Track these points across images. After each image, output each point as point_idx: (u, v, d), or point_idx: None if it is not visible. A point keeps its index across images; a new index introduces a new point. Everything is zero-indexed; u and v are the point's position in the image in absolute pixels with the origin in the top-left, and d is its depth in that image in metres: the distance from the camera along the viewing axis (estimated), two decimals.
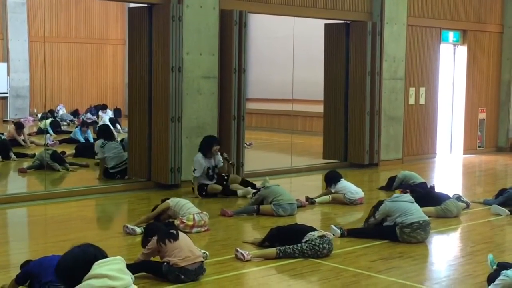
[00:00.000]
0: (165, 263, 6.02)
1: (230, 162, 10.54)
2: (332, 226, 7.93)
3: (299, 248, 6.86)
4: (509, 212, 9.20)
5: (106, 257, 4.13)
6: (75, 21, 25.37)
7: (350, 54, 13.49)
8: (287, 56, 15.21)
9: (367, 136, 13.31)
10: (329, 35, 13.82)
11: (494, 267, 6.03)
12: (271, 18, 15.34)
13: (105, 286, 3.98)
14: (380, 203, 7.93)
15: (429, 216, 8.09)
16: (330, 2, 13.07)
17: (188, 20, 10.69)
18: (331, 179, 9.97)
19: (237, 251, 6.85)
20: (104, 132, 12.02)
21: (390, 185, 10.84)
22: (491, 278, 5.61)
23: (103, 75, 25.88)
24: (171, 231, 6.20)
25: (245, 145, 12.67)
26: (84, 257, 4.08)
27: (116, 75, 25.43)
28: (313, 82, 15.67)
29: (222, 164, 10.28)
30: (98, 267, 4.05)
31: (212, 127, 11.14)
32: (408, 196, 8.06)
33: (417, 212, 7.76)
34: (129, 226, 7.83)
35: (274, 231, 7.32)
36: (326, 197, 9.86)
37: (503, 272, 5.37)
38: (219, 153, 10.29)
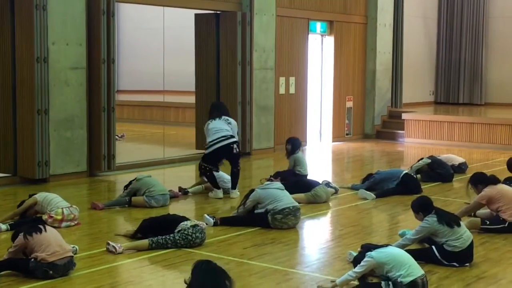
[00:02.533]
0: (32, 259, 5.82)
1: None
2: (205, 215, 7.96)
3: (172, 238, 6.83)
4: (375, 196, 9.57)
5: None
6: None
7: (220, 45, 13.53)
8: (158, 47, 15.07)
9: (239, 126, 13.38)
10: (199, 25, 13.81)
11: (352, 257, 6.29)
12: (142, 8, 15.15)
13: None
14: (252, 191, 8.04)
15: (299, 202, 8.28)
16: None
17: (52, 9, 10.35)
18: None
19: (109, 244, 6.74)
20: None
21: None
22: (357, 260, 5.82)
23: None
24: (38, 225, 6.01)
25: (117, 137, 12.48)
26: None
27: None
28: (185, 73, 15.60)
29: None
30: None
31: (82, 119, 10.87)
32: (278, 184, 8.23)
33: (286, 199, 7.92)
34: None
35: (146, 222, 7.25)
36: (199, 187, 9.86)
37: (368, 253, 5.57)
38: None
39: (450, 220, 6.41)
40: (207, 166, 9.51)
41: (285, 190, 8.08)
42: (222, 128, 9.49)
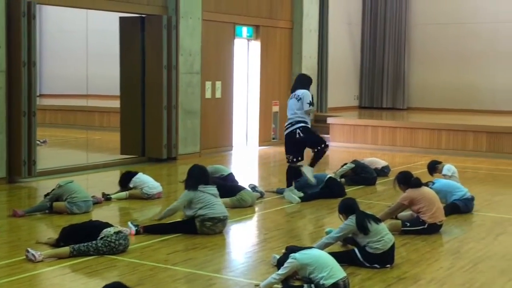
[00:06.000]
0: None
1: None
2: (129, 223, 7.84)
3: (94, 246, 6.70)
4: (300, 200, 9.64)
5: None
6: None
7: (146, 48, 13.40)
8: (82, 50, 14.83)
9: (165, 130, 13.30)
10: (124, 29, 13.64)
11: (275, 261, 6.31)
12: (65, 11, 14.87)
13: None
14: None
15: (225, 207, 8.24)
16: None
17: None
18: (124, 179, 9.84)
19: (28, 251, 6.56)
20: None
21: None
22: (280, 262, 5.84)
23: None
24: None
25: (38, 142, 12.19)
26: None
27: None
28: (109, 77, 15.40)
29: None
30: None
31: (1, 124, 10.57)
32: (214, 189, 8.02)
33: (219, 207, 7.83)
34: None
35: (67, 229, 7.09)
36: (123, 193, 9.71)
37: (292, 255, 5.60)
38: None
39: (365, 225, 6.46)
40: (289, 157, 9.66)
41: (218, 197, 7.97)
42: (288, 111, 9.57)
